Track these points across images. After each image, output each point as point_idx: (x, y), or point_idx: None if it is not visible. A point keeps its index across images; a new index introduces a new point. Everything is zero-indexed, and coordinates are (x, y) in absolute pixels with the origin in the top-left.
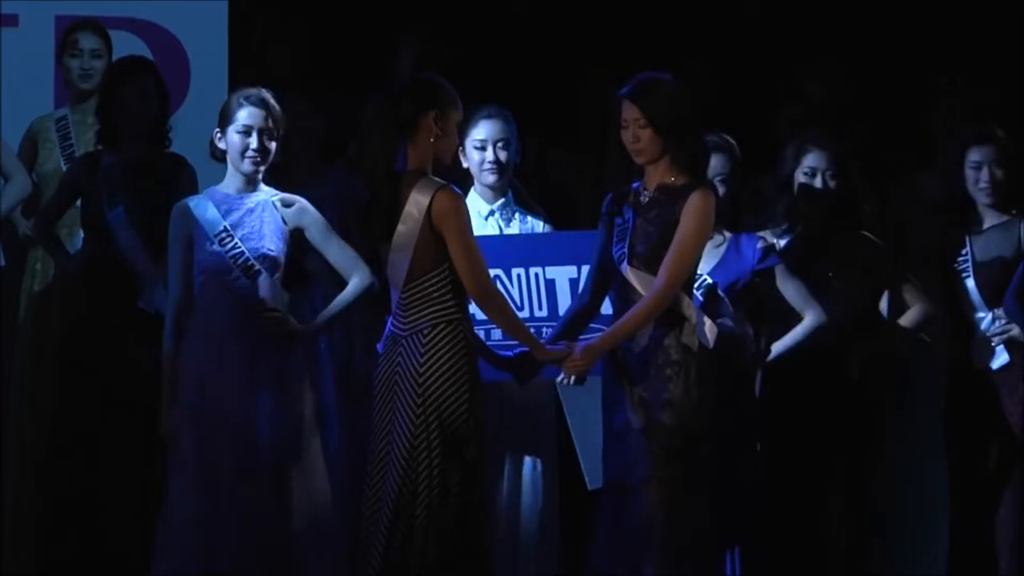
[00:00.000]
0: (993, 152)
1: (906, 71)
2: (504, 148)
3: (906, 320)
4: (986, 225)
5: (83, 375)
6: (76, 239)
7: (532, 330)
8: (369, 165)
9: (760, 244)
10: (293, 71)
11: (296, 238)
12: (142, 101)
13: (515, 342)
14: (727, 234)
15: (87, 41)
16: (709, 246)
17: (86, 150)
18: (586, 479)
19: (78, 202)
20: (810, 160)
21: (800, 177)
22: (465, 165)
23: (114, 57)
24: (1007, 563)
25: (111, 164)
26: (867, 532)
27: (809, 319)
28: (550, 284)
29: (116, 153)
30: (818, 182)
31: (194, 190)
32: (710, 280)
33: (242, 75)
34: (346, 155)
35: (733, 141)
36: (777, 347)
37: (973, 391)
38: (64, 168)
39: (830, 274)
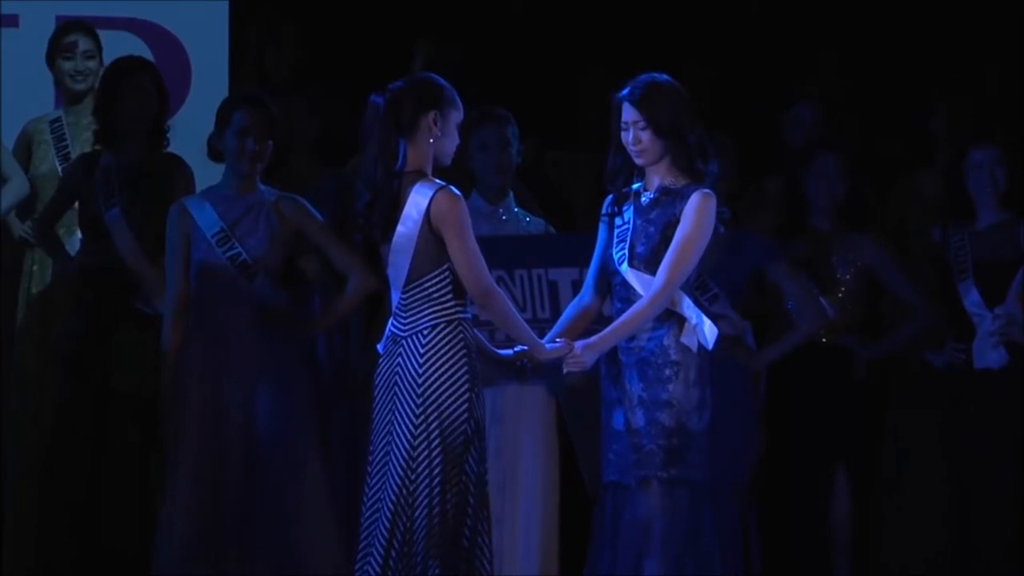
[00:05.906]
0: (994, 152)
1: (907, 70)
2: (506, 150)
3: (906, 323)
4: (987, 225)
5: (82, 376)
6: (73, 240)
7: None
8: (369, 165)
9: (759, 243)
10: (292, 71)
11: (294, 238)
12: (140, 101)
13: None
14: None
15: (81, 43)
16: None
17: (82, 151)
18: (587, 484)
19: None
20: (817, 161)
21: (807, 178)
22: (468, 166)
23: (104, 57)
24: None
25: (109, 165)
26: (868, 531)
27: (810, 318)
28: (552, 285)
29: (114, 154)
30: (824, 183)
31: (191, 190)
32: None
33: (242, 75)
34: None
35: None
36: (780, 348)
37: (974, 391)
38: (60, 170)
39: (836, 275)
